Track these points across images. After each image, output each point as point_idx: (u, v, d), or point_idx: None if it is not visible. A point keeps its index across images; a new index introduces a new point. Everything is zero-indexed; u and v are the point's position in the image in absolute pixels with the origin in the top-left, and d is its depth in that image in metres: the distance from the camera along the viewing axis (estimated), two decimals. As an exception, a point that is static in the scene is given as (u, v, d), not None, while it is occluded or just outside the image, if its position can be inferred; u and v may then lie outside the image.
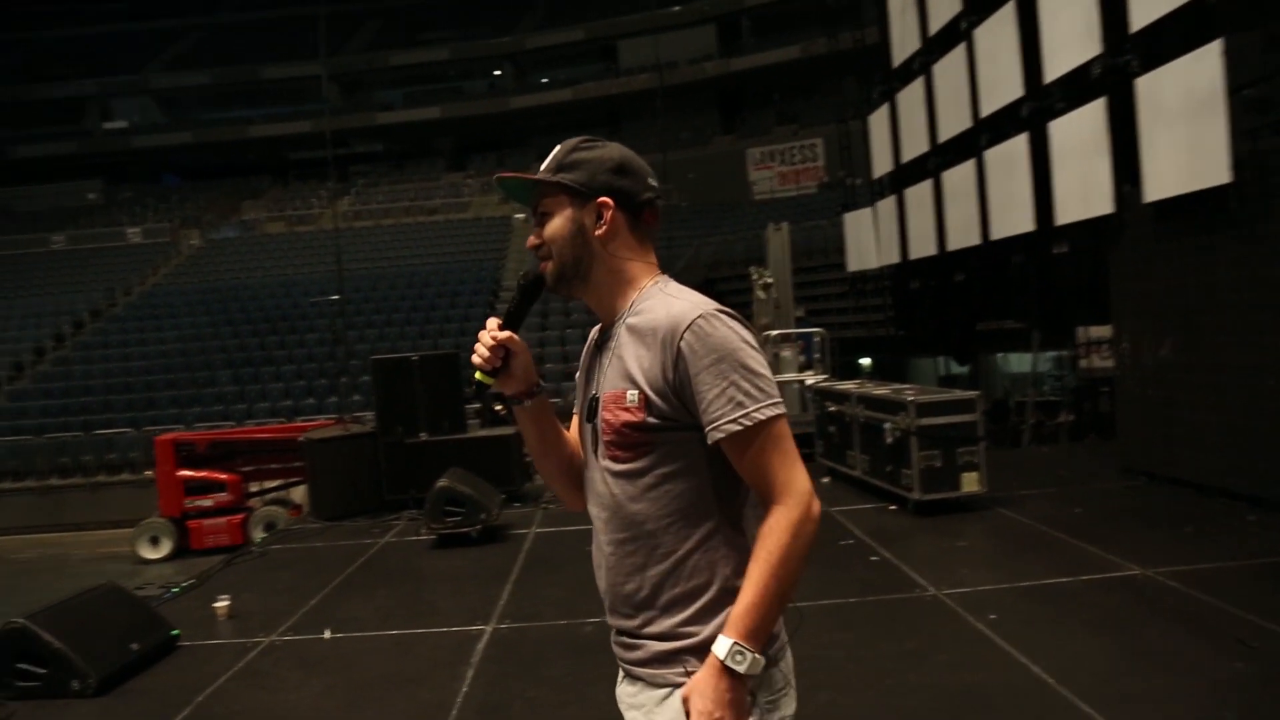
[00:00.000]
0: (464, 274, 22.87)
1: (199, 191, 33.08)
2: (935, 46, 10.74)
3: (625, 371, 1.48)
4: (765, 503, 1.42)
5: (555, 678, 4.00)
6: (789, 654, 1.52)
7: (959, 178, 10.18)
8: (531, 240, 1.58)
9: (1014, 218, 8.96)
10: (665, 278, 1.58)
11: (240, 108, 34.16)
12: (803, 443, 9.13)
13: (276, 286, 23.31)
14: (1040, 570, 4.98)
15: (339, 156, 32.30)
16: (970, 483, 6.36)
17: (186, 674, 4.36)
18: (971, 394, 6.63)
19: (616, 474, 1.49)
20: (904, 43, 11.78)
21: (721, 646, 1.36)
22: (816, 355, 10.67)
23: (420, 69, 34.69)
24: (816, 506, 1.41)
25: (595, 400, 1.54)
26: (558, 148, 1.58)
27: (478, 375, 1.56)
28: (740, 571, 1.41)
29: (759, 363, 1.43)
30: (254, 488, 12.51)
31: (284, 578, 6.33)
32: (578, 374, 1.64)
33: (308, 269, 24.33)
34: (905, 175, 11.97)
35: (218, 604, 5.29)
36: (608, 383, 1.51)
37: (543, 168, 1.57)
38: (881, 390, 7.19)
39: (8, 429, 17.04)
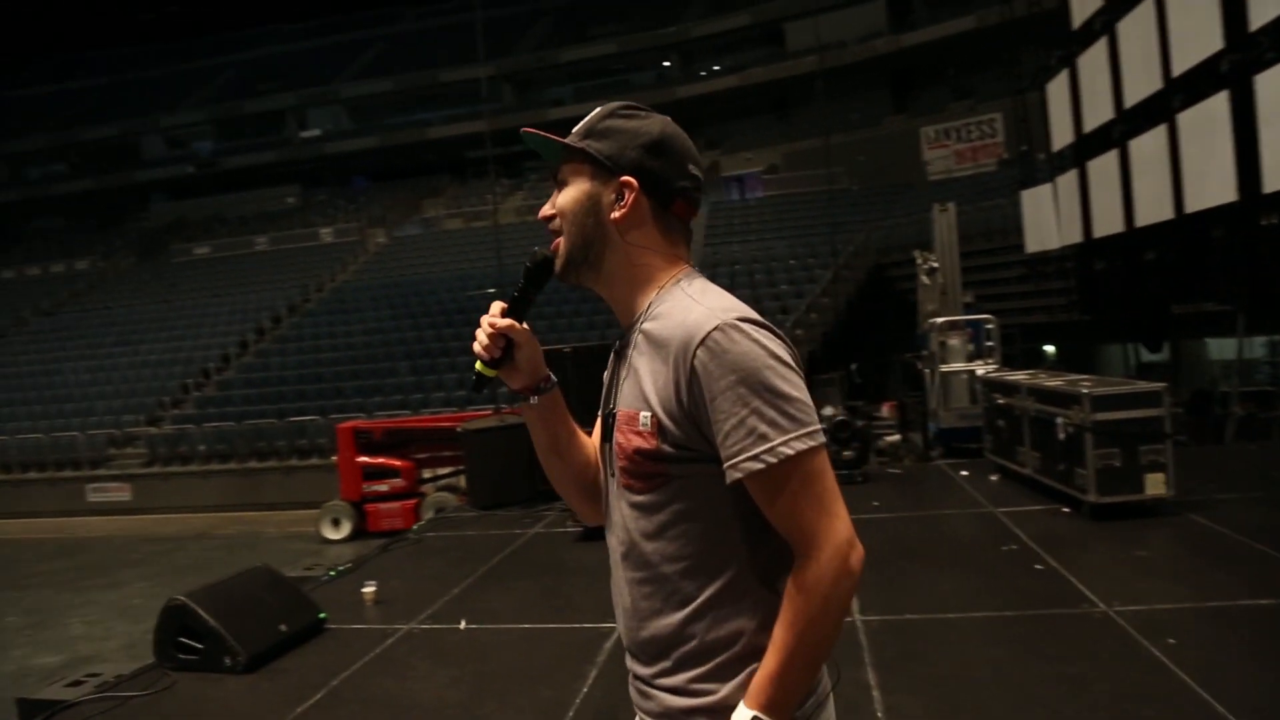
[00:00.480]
0: (629, 265, 23.02)
1: (384, 192, 35.01)
2: (1119, 2, 9.78)
3: (639, 389, 1.27)
4: (795, 553, 1.19)
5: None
6: (829, 707, 1.30)
7: (1148, 145, 9.23)
8: (544, 210, 1.38)
9: (1213, 187, 8.01)
10: (690, 273, 1.35)
11: (420, 111, 35.90)
12: (971, 437, 8.68)
13: (453, 280, 24.29)
14: (1235, 588, 4.37)
15: (513, 153, 33.38)
16: (1155, 485, 5.70)
17: (328, 657, 4.51)
18: (1157, 386, 5.95)
19: (632, 505, 1.29)
20: (1084, 2, 10.82)
21: (742, 718, 1.18)
22: (989, 343, 9.98)
23: (589, 64, 35.26)
24: (856, 559, 1.18)
25: (611, 417, 1.34)
26: (596, 110, 1.38)
27: (478, 366, 1.39)
28: (767, 626, 1.21)
29: (791, 383, 1.19)
30: (427, 474, 13.08)
31: (433, 565, 6.49)
32: (605, 374, 1.44)
33: (481, 263, 25.21)
34: (1087, 146, 11.00)
35: (365, 589, 5.46)
36: (623, 399, 1.31)
37: (574, 130, 1.37)
38: (1054, 381, 6.59)
39: (215, 415, 18.60)
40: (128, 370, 21.65)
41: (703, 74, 33.40)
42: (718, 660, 1.24)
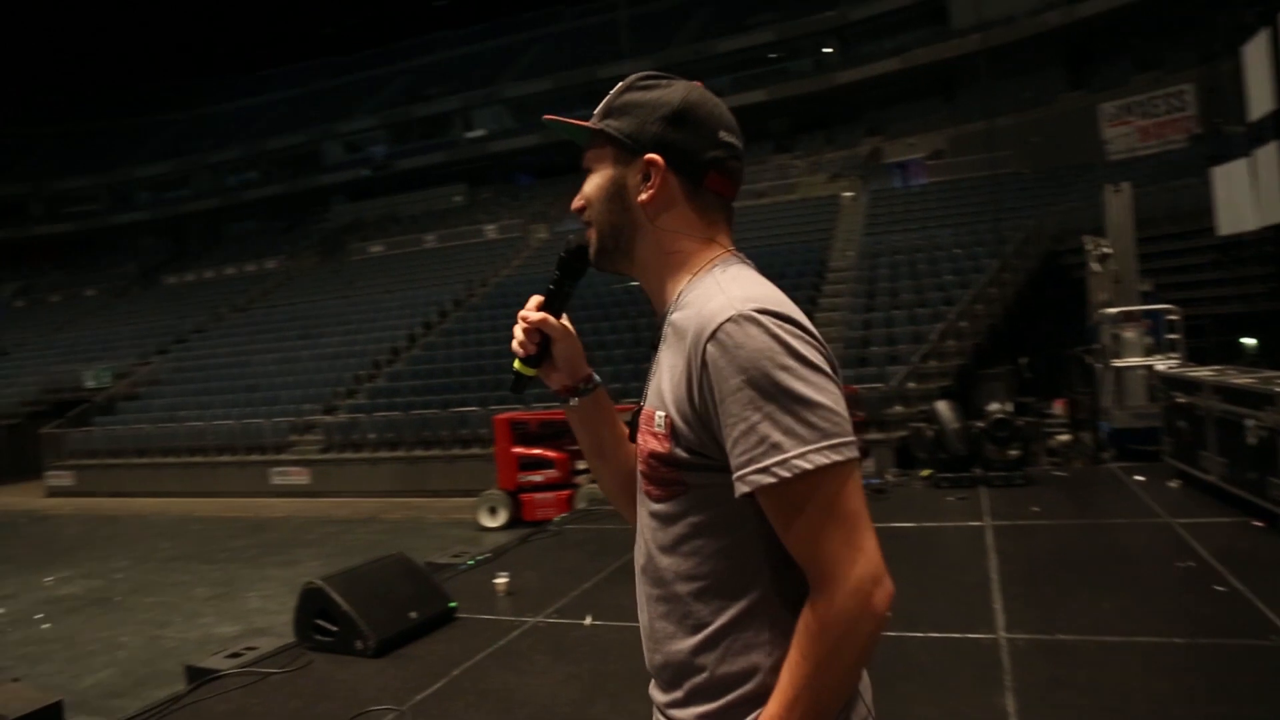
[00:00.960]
0: (790, 256, 22.68)
1: (546, 188, 35.85)
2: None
3: (659, 386, 1.15)
4: (810, 585, 1.03)
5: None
6: None
7: (1369, 111, 8.16)
8: (575, 202, 1.29)
9: None
10: (727, 258, 1.20)
11: (579, 108, 36.53)
12: (1148, 439, 7.94)
13: (611, 274, 24.57)
14: None
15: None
16: (1367, 498, 5.00)
17: (453, 646, 4.57)
18: (1371, 385, 5.21)
19: (651, 514, 1.17)
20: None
21: None
22: (1170, 336, 9.11)
23: (747, 53, 34.87)
24: (882, 598, 1.01)
25: (637, 415, 1.22)
26: (617, 85, 1.26)
27: (516, 364, 1.32)
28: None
29: (814, 386, 1.02)
30: (581, 465, 13.23)
31: (569, 558, 6.51)
32: None
33: (638, 255, 25.40)
34: (1293, 115, 9.87)
35: (497, 580, 5.53)
36: (648, 396, 1.19)
37: (595, 111, 1.26)
38: (1243, 378, 5.90)
39: (385, 405, 19.53)
40: (308, 362, 23.11)
41: (862, 58, 32.34)
42: (728, 698, 1.10)
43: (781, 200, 28.77)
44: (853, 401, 13.72)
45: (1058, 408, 11.99)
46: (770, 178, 30.73)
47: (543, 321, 1.30)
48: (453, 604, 5.05)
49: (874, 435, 13.48)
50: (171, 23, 46.78)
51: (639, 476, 1.20)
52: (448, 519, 14.40)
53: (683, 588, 1.13)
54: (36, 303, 37.53)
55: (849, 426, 1.04)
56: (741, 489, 1.03)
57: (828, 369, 1.06)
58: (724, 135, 1.22)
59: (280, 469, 18.63)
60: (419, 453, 17.97)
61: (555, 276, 1.33)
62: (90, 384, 24.56)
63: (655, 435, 1.13)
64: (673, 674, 1.16)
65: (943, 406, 8.05)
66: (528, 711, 3.73)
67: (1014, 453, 7.78)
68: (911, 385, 14.47)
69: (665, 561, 1.15)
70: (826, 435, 1.01)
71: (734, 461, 1.03)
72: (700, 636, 1.12)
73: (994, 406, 8.07)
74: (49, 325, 32.58)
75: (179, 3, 46.20)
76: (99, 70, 46.00)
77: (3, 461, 23.44)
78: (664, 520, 1.15)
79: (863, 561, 1.01)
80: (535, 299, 1.33)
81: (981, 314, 16.76)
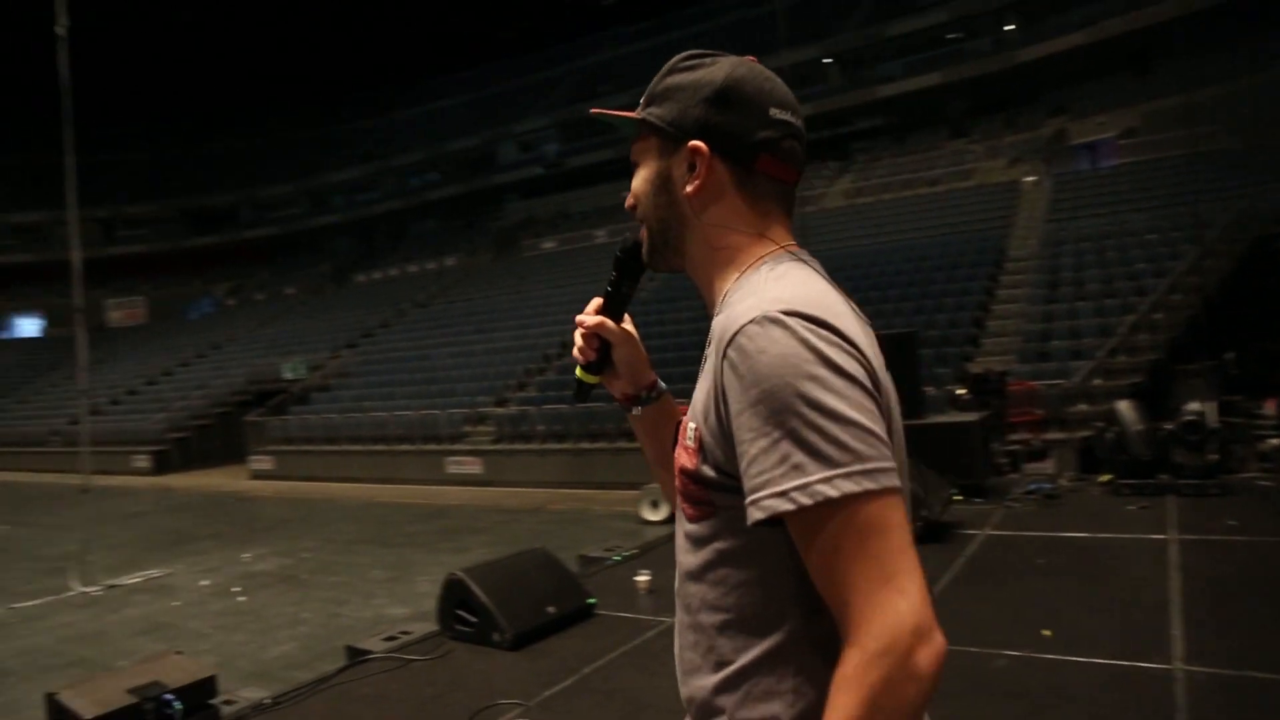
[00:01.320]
0: (965, 245, 21.68)
1: (711, 182, 35.89)
2: None
3: (695, 396, 1.05)
4: (841, 633, 0.89)
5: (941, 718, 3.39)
6: None
7: None
8: (628, 200, 1.21)
9: None
10: (779, 255, 1.08)
11: (744, 99, 36.25)
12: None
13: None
14: None
15: (840, 135, 32.69)
16: None
17: (589, 643, 4.58)
18: None
19: (685, 535, 1.08)
20: None
21: None
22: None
23: (920, 35, 33.55)
24: (927, 658, 0.85)
25: (678, 425, 1.13)
26: (663, 68, 1.17)
27: (577, 372, 1.26)
28: (810, 717, 0.91)
29: (846, 399, 0.88)
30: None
31: (715, 556, 6.42)
32: None
33: (810, 248, 24.82)
34: None
35: (639, 578, 5.50)
36: (691, 405, 1.09)
37: (641, 99, 1.18)
38: None
39: (554, 398, 20.04)
40: (483, 355, 24.06)
41: (1046, 33, 30.38)
42: None
43: (957, 187, 27.56)
44: (1029, 398, 12.93)
45: (1269, 408, 10.85)
46: (945, 164, 29.52)
47: (600, 326, 1.23)
48: (592, 600, 5.07)
49: (1054, 435, 12.68)
50: (362, 35, 50.11)
51: (677, 492, 1.11)
52: (611, 511, 14.58)
53: (708, 618, 1.04)
54: (245, 301, 41.14)
55: (888, 451, 0.90)
56: (755, 515, 0.91)
57: (866, 383, 0.92)
58: (776, 112, 1.10)
59: (455, 458, 19.45)
60: (585, 445, 18.29)
61: (612, 277, 1.26)
62: (288, 375, 26.54)
63: (686, 449, 1.04)
64: (697, 710, 1.07)
65: (1124, 406, 7.40)
66: (651, 714, 3.68)
67: (1212, 458, 7.05)
68: (1097, 382, 13.46)
69: (692, 588, 1.06)
70: (859, 458, 0.87)
71: (748, 484, 0.91)
72: (722, 675, 1.02)
73: (1193, 406, 7.36)
74: (255, 321, 35.55)
75: (368, 17, 49.33)
76: (299, 85, 49.74)
77: (215, 446, 25.81)
78: (695, 543, 1.06)
79: (902, 608, 0.86)
80: (594, 302, 1.26)
81: (1179, 305, 15.38)
